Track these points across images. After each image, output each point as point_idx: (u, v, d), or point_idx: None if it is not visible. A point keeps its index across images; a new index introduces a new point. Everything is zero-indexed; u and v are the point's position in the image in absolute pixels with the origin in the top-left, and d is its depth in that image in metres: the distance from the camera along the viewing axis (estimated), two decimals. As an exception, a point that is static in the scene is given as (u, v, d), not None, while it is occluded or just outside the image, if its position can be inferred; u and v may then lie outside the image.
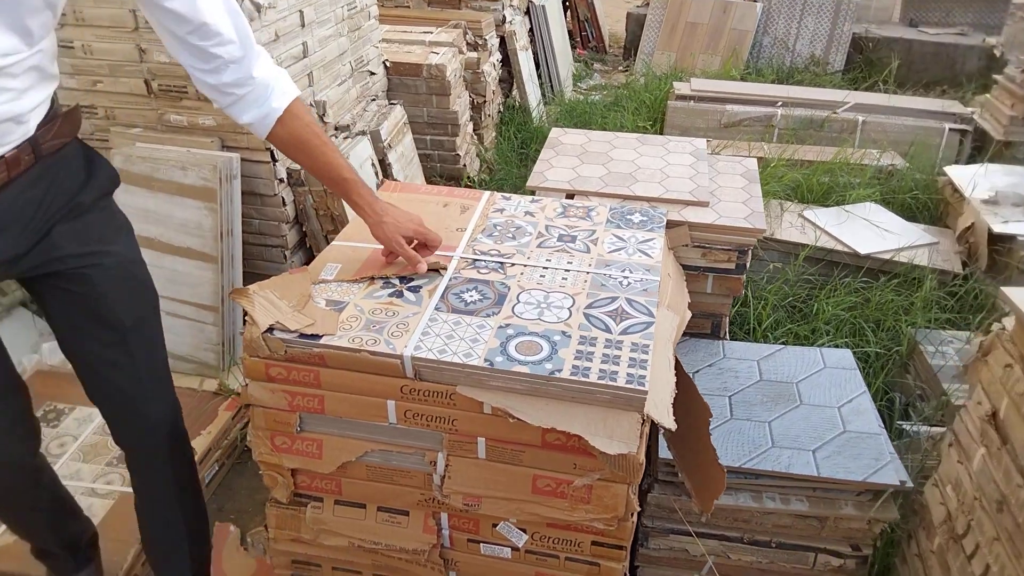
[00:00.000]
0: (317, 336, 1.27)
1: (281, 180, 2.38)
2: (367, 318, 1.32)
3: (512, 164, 3.70)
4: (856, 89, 4.64)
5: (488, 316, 1.33)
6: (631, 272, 1.47)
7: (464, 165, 3.46)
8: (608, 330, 1.30)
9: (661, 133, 3.84)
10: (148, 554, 1.58)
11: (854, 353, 2.15)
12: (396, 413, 1.28)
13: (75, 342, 1.30)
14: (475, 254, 1.52)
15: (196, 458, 1.98)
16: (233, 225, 2.28)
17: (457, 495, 1.31)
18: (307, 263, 2.65)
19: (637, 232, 1.62)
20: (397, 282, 1.43)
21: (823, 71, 5.39)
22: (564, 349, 1.24)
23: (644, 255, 1.53)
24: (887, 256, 2.58)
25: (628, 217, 1.68)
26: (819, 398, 1.70)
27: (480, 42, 3.85)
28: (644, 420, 1.19)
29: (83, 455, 1.98)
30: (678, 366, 1.37)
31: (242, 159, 2.29)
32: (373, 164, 2.72)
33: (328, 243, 2.60)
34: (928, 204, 3.00)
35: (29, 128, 1.13)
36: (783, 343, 2.16)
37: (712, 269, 1.80)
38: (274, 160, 2.34)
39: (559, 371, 1.20)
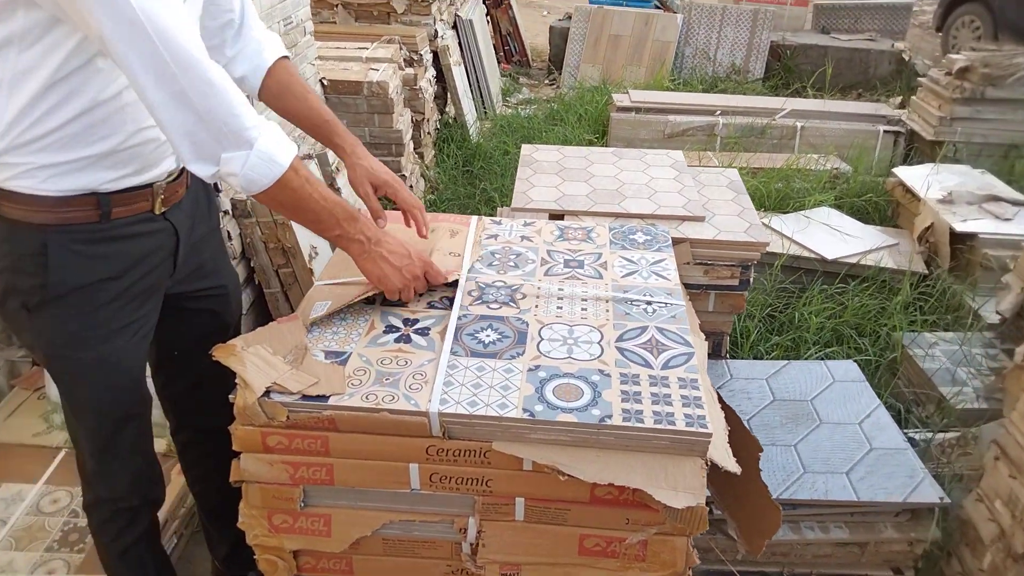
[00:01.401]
0: (324, 397, 1.09)
1: (225, 212, 2.16)
2: (377, 369, 1.15)
3: (458, 183, 3.55)
4: (778, 95, 4.74)
5: (513, 358, 1.18)
6: (653, 297, 1.35)
7: (410, 186, 3.29)
8: (648, 365, 1.17)
9: (607, 146, 3.78)
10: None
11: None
12: (420, 478, 1.12)
13: (192, 361, 1.36)
14: (480, 286, 1.37)
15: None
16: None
17: (493, 564, 1.16)
18: (256, 301, 2.43)
19: (645, 253, 1.51)
20: (401, 325, 1.26)
21: (745, 79, 5.51)
22: (607, 391, 1.11)
23: (660, 277, 1.42)
24: (853, 260, 2.58)
25: (631, 237, 1.57)
26: (837, 415, 1.63)
27: (416, 58, 3.70)
28: (707, 465, 1.07)
29: (15, 542, 1.71)
30: (720, 399, 1.26)
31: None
32: (322, 190, 2.52)
33: (279, 278, 2.39)
34: (879, 206, 3.04)
35: None
36: (774, 357, 2.10)
37: (715, 287, 1.72)
38: (216, 190, 2.11)
39: (609, 417, 1.06)
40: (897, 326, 2.23)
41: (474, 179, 3.59)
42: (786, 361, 1.80)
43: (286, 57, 1.39)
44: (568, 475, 1.05)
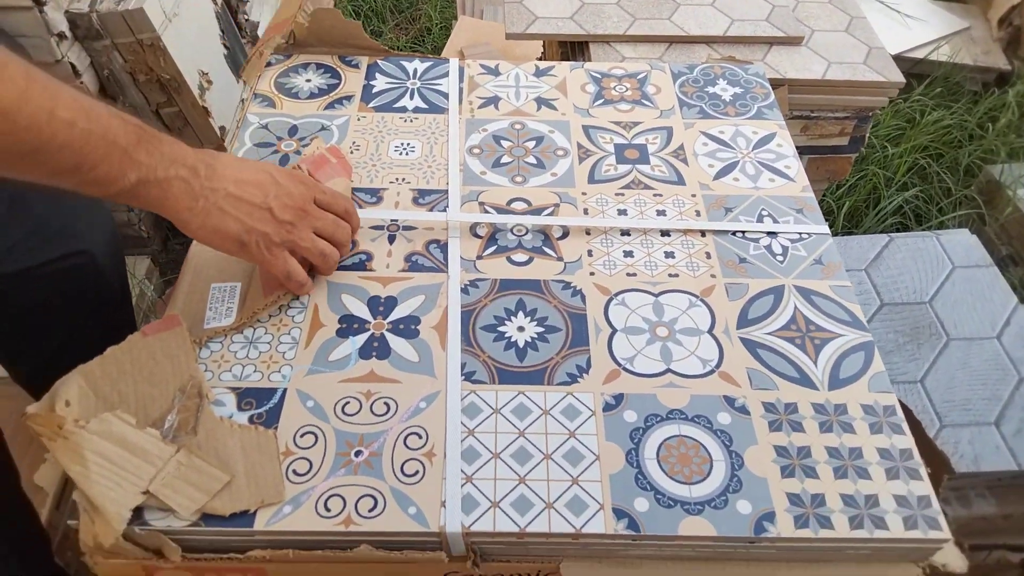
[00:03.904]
0: (247, 515, 0.58)
1: (62, 35, 1.44)
2: (337, 428, 0.63)
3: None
4: None
5: (573, 381, 0.68)
6: (775, 222, 0.83)
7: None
8: (807, 382, 0.68)
9: None
10: None
11: (915, 206, 1.67)
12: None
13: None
14: (486, 209, 0.82)
15: None
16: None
17: None
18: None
19: (740, 123, 0.95)
20: (367, 314, 0.72)
21: None
22: (751, 449, 0.63)
23: (775, 174, 0.88)
24: (921, 55, 2.02)
25: (710, 90, 0.99)
26: (968, 324, 1.20)
27: None
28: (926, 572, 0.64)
29: None
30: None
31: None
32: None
33: (163, 122, 1.71)
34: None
35: None
36: (845, 208, 1.62)
37: (814, 149, 1.18)
38: (40, 3, 1.37)
39: (770, 519, 0.59)
40: (986, 152, 1.75)
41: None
42: (887, 237, 1.32)
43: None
44: (702, 624, 0.60)
